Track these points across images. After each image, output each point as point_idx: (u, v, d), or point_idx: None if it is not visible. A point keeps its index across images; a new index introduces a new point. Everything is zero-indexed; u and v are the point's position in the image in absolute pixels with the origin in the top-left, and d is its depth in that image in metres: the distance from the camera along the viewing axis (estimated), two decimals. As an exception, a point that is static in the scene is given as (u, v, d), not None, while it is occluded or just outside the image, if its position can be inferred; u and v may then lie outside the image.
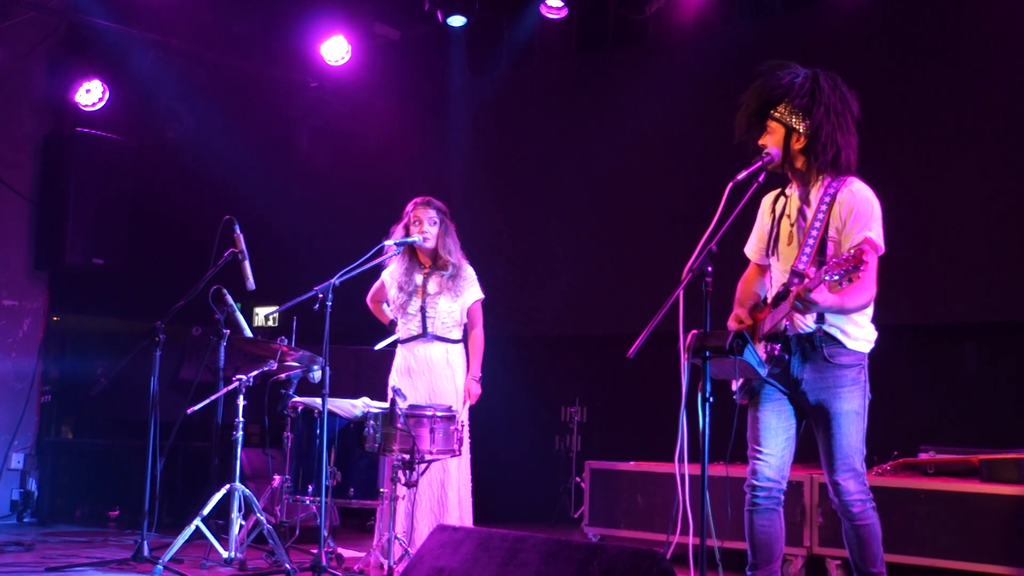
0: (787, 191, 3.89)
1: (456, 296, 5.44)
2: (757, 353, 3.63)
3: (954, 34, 6.77)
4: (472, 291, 5.51)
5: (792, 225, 3.81)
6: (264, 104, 8.88)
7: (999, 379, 6.53)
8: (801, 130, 3.74)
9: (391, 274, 5.56)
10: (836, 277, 3.34)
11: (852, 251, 3.32)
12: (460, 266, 5.49)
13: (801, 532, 5.49)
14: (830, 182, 3.75)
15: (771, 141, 3.78)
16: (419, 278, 5.48)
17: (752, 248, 4.04)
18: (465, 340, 5.54)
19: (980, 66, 6.60)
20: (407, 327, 5.48)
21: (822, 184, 3.76)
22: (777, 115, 3.77)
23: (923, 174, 6.69)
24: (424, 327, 5.42)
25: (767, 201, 3.99)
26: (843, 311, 3.63)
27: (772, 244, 3.87)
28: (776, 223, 3.87)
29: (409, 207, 5.49)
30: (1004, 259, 6.40)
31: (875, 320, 3.79)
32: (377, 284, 5.68)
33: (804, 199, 3.80)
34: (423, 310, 5.42)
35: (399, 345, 5.53)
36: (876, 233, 3.66)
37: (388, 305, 5.63)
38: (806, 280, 3.52)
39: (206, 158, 8.20)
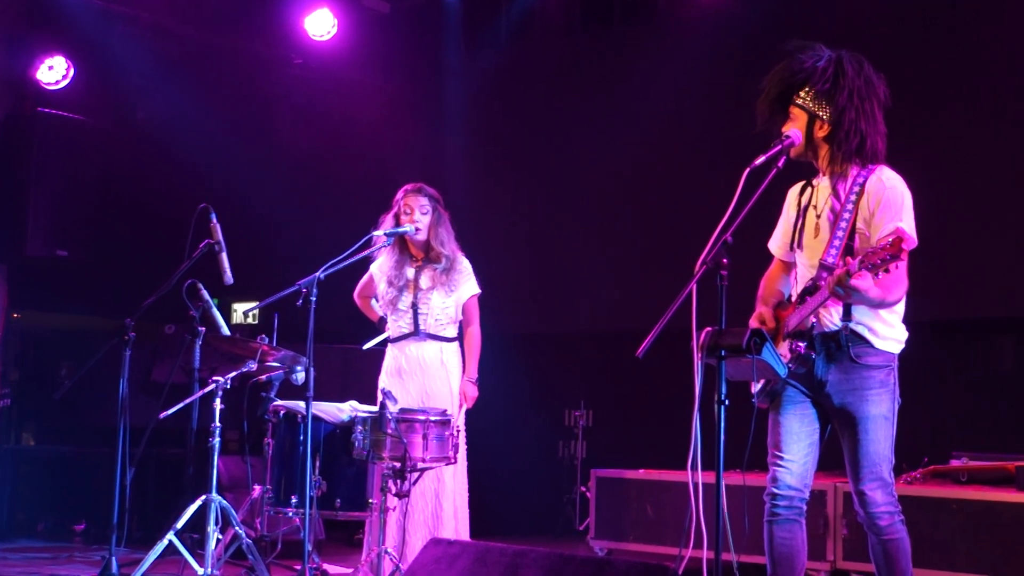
0: (814, 182, 3.91)
1: (450, 291, 5.44)
2: (777, 352, 3.64)
3: (979, 8, 6.77)
4: (468, 286, 5.51)
5: (819, 217, 3.83)
6: (243, 82, 8.87)
7: (1038, 379, 6.55)
8: (824, 117, 3.77)
9: (380, 267, 5.57)
10: (872, 266, 3.34)
11: (891, 238, 3.33)
12: (455, 259, 5.49)
13: (824, 545, 5.51)
14: (859, 171, 3.77)
15: (794, 128, 3.81)
16: (410, 272, 5.48)
17: (777, 243, 4.06)
18: (460, 339, 5.55)
19: (1015, 42, 6.60)
20: (397, 324, 5.48)
21: (850, 173, 3.78)
22: (799, 101, 3.81)
23: (955, 158, 6.70)
24: (416, 324, 5.42)
25: (793, 193, 4.00)
26: (883, 304, 3.64)
27: (797, 237, 3.88)
28: (802, 215, 3.89)
29: (399, 195, 5.49)
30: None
31: (905, 316, 3.80)
32: (365, 278, 5.68)
33: (832, 189, 3.82)
34: (415, 306, 5.42)
35: (389, 344, 5.54)
36: (908, 224, 3.66)
37: (377, 301, 5.64)
38: (848, 264, 3.52)
39: (179, 141, 8.19)
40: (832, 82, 3.75)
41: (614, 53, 8.37)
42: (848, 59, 3.79)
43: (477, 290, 5.54)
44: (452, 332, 5.50)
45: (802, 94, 3.80)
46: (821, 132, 3.80)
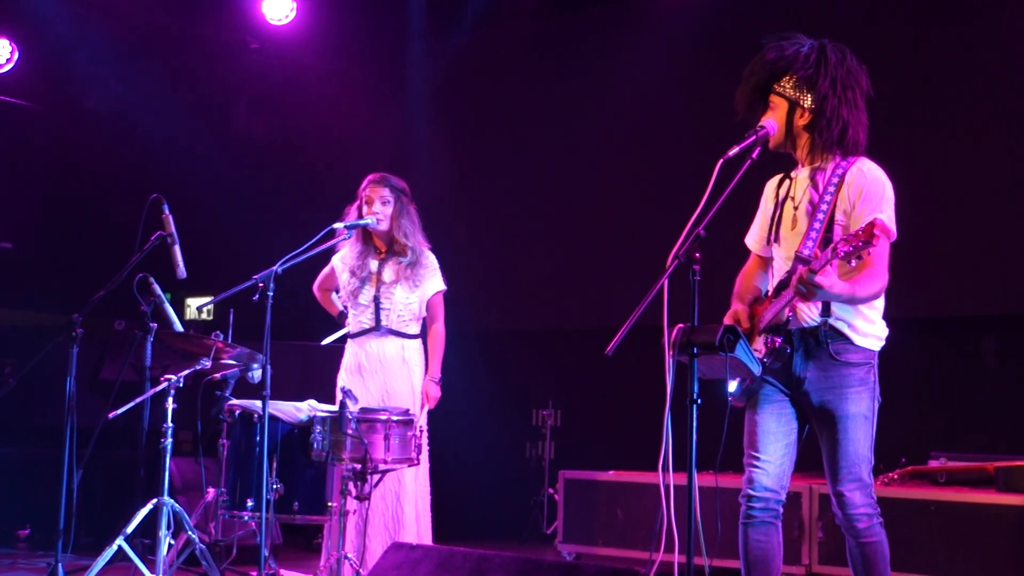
0: (792, 174, 3.92)
1: (415, 286, 5.43)
2: (751, 350, 3.65)
3: (965, 5, 6.82)
4: (433, 281, 5.49)
5: (796, 208, 3.84)
6: (198, 68, 8.83)
7: (1019, 378, 6.60)
8: (805, 104, 3.78)
9: (343, 259, 5.54)
10: (845, 254, 3.35)
11: (862, 227, 3.34)
12: (420, 253, 5.47)
13: (799, 548, 5.53)
14: (839, 162, 3.79)
15: (774, 117, 3.82)
16: (374, 264, 5.46)
17: (754, 238, 4.07)
18: (424, 336, 5.53)
19: (1004, 35, 6.64)
20: (358, 319, 5.46)
21: (830, 164, 3.80)
22: (780, 89, 3.82)
23: (935, 152, 6.74)
24: (377, 319, 5.40)
25: (770, 186, 4.02)
26: (853, 300, 3.66)
27: (774, 230, 3.90)
28: (779, 207, 3.90)
29: (363, 185, 5.48)
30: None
31: (884, 312, 3.82)
32: (326, 270, 5.66)
33: (810, 181, 3.84)
34: (377, 300, 5.40)
35: (349, 340, 5.51)
36: (888, 216, 3.69)
37: (338, 294, 5.62)
38: (812, 263, 3.55)
39: (131, 129, 8.13)
40: (814, 68, 3.77)
41: (585, 37, 8.36)
42: (831, 47, 3.82)
43: (443, 286, 5.52)
44: (415, 329, 5.48)
45: (783, 81, 3.82)
46: (802, 120, 3.81)
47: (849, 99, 3.78)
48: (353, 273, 5.46)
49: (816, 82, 3.77)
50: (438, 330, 5.51)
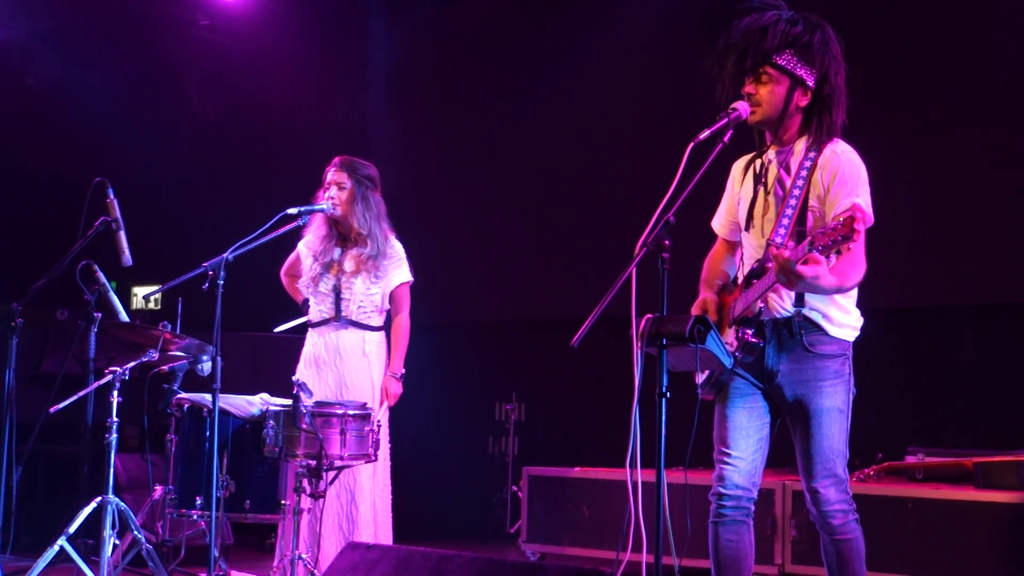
0: (762, 154, 3.89)
1: (377, 278, 5.40)
2: (722, 341, 3.66)
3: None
4: (398, 272, 5.46)
5: (768, 193, 3.83)
6: (145, 45, 8.76)
7: (999, 371, 6.65)
8: (810, 84, 3.75)
9: (307, 244, 5.52)
10: (823, 248, 3.33)
11: (842, 217, 3.30)
12: (385, 243, 5.44)
13: (772, 547, 5.56)
14: (811, 143, 3.77)
15: (764, 93, 3.75)
16: (336, 252, 5.44)
17: (720, 221, 4.07)
18: (388, 328, 5.51)
19: (989, 21, 6.67)
20: (318, 308, 5.44)
21: (802, 146, 3.78)
22: (783, 62, 3.74)
23: (913, 137, 6.77)
24: (337, 309, 5.38)
25: (738, 167, 4.00)
26: (841, 290, 3.65)
27: (745, 215, 3.89)
28: (749, 191, 3.89)
29: (327, 168, 5.47)
30: (1009, 231, 6.50)
31: (858, 302, 3.83)
32: (292, 256, 5.63)
33: (782, 163, 3.82)
34: (337, 289, 5.38)
35: (310, 329, 5.49)
36: (865, 200, 3.68)
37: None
38: (797, 248, 3.52)
39: (74, 109, 8.06)
40: (820, 48, 3.73)
41: (554, 16, 8.35)
42: (827, 26, 3.79)
43: (408, 277, 5.50)
44: (377, 321, 5.46)
45: (786, 55, 3.73)
46: (803, 101, 3.77)
47: (841, 84, 3.78)
48: (316, 258, 5.45)
49: (823, 62, 3.73)
50: (401, 323, 5.48)
